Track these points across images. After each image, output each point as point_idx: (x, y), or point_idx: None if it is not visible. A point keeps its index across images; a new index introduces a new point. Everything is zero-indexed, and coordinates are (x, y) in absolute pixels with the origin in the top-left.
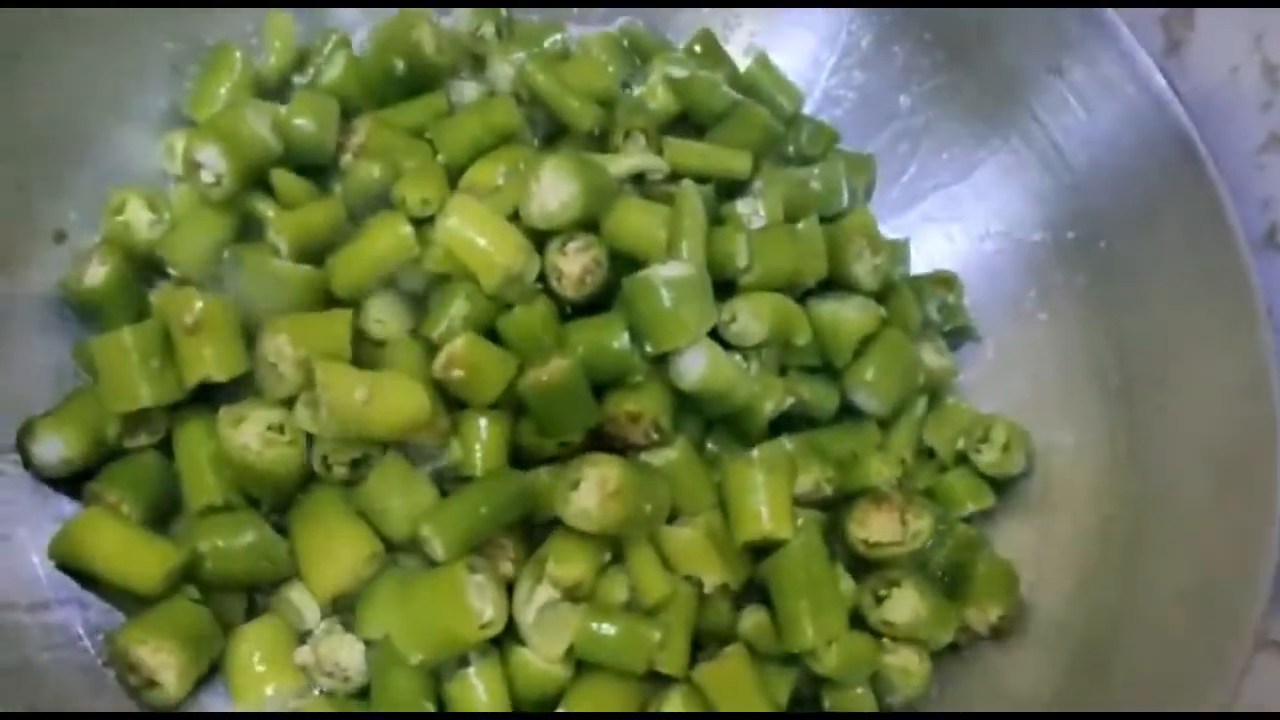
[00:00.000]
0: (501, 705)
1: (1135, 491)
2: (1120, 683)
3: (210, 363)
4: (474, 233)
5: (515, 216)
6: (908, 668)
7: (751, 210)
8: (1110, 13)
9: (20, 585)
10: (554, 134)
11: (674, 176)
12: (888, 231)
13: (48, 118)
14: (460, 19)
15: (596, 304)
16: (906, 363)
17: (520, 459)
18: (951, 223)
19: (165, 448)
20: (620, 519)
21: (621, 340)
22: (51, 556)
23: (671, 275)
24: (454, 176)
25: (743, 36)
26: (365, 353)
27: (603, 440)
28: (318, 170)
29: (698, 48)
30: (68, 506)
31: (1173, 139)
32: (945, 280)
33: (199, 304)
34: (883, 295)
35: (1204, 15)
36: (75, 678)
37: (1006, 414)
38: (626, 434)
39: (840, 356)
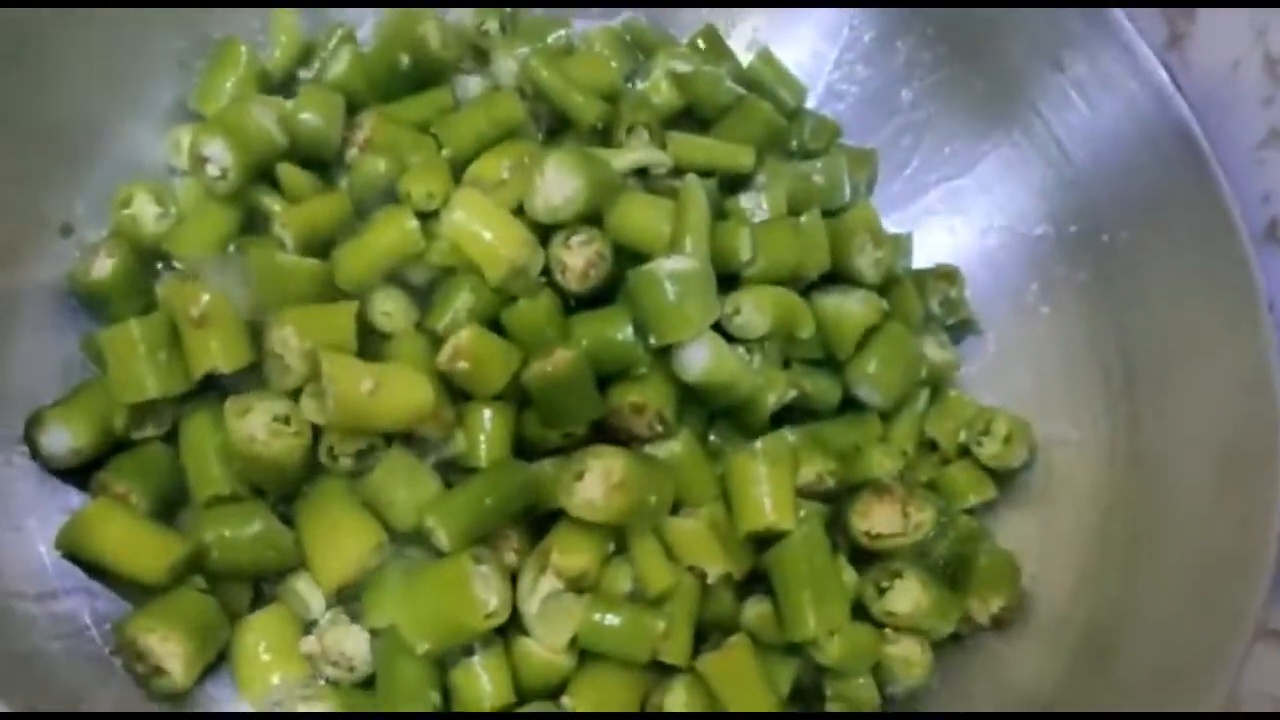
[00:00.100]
0: (506, 694)
1: (1137, 484)
2: (1121, 672)
3: (217, 354)
4: (479, 226)
5: (519, 210)
6: (910, 658)
7: (754, 204)
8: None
9: (28, 575)
10: (558, 129)
11: (677, 171)
12: (890, 226)
13: (55, 112)
14: (464, 14)
15: (600, 298)
16: (909, 356)
17: (524, 451)
18: (954, 216)
19: (172, 439)
20: (624, 510)
21: (625, 333)
22: (59, 547)
23: (675, 268)
24: (458, 171)
25: (745, 31)
26: (371, 345)
27: (607, 432)
28: (323, 165)
29: (701, 43)
30: (75, 497)
31: (1174, 133)
32: (947, 274)
33: (205, 296)
34: (885, 289)
35: (1206, 9)
36: (84, 667)
37: (1008, 407)
38: (630, 426)
39: (843, 349)
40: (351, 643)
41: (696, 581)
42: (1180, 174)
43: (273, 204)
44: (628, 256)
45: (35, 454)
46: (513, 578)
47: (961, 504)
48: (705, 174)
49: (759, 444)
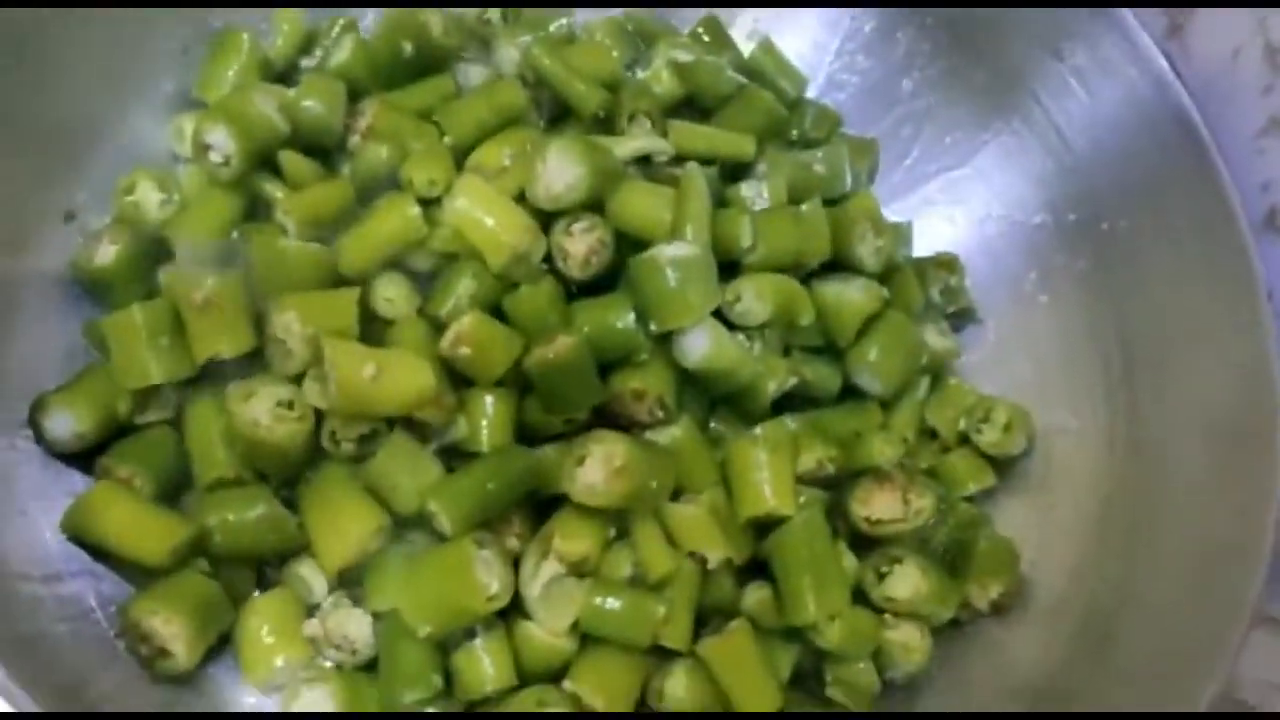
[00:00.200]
0: (507, 677)
1: (1135, 471)
2: (1120, 658)
3: (219, 340)
4: (481, 213)
5: (521, 198)
6: (909, 643)
7: (755, 193)
8: None
9: (34, 557)
10: (559, 117)
11: (678, 159)
12: (890, 215)
13: (59, 101)
14: None
15: (601, 285)
16: (909, 344)
17: (526, 436)
18: (953, 206)
19: (175, 424)
20: (625, 494)
21: (626, 319)
22: (64, 530)
23: (676, 255)
24: (460, 158)
25: (746, 22)
26: (373, 331)
27: (608, 418)
28: (325, 152)
29: (702, 32)
30: (79, 481)
31: (1174, 120)
32: (947, 263)
33: (209, 282)
34: (885, 277)
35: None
36: (89, 649)
37: (1008, 395)
38: (631, 412)
39: (843, 337)
40: (354, 626)
41: (697, 567)
42: (1179, 161)
43: (275, 191)
44: (629, 244)
45: (39, 438)
46: (515, 562)
47: (961, 491)
48: (706, 162)
49: (759, 430)
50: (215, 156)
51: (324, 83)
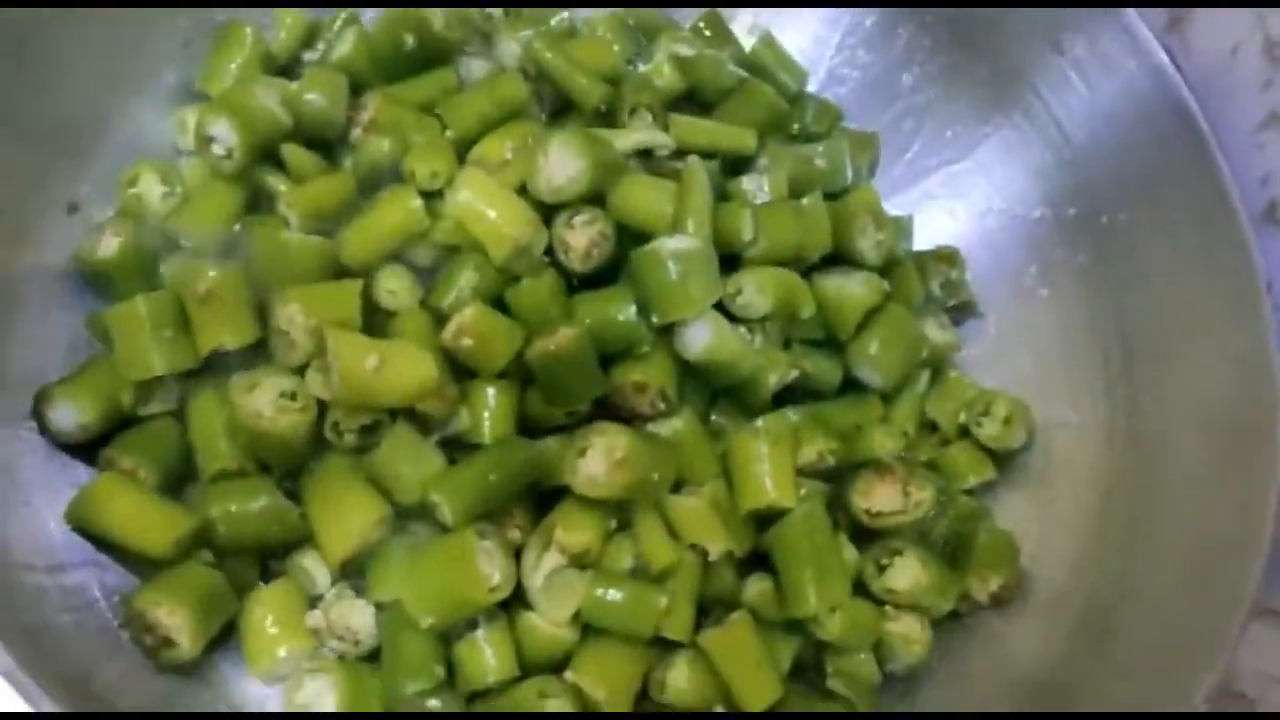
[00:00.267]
0: (509, 668)
1: (1135, 465)
2: (1119, 650)
3: (223, 331)
4: (483, 205)
5: (523, 190)
6: (909, 635)
7: (756, 186)
8: None
9: (38, 548)
10: (561, 110)
11: (680, 153)
12: (891, 209)
13: (61, 94)
14: None
15: (602, 278)
16: (909, 337)
17: (528, 429)
18: (954, 200)
19: (179, 415)
20: (627, 486)
21: (628, 312)
22: (68, 520)
23: (678, 247)
24: (462, 151)
25: (747, 17)
26: (375, 322)
27: (609, 411)
28: (327, 145)
29: (704, 27)
30: (83, 473)
31: (1174, 115)
32: (948, 256)
33: (212, 273)
34: (886, 270)
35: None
36: (93, 639)
37: (1008, 389)
38: (633, 404)
39: (844, 330)
40: (357, 617)
41: (698, 558)
42: (1179, 154)
43: (278, 184)
44: (630, 237)
45: (43, 430)
46: (516, 554)
47: (961, 484)
48: (707, 156)
49: (760, 423)
50: (218, 149)
51: (326, 76)
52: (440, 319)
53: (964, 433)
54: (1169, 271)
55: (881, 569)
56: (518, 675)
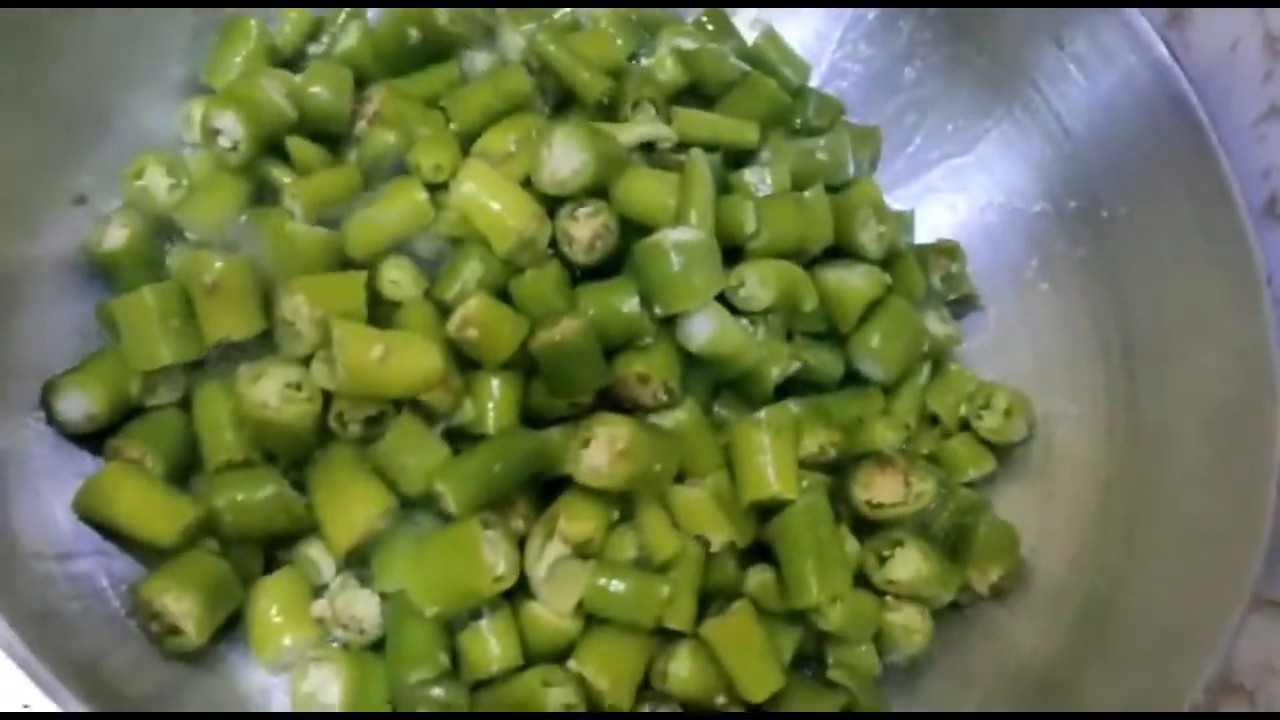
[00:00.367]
0: (513, 657)
1: (1135, 457)
2: (1118, 641)
3: (229, 322)
4: (487, 197)
5: (527, 183)
6: (910, 625)
7: (759, 179)
8: None
9: (46, 537)
10: (564, 103)
11: (682, 146)
12: (892, 203)
13: (69, 86)
14: None
15: (605, 270)
16: (911, 330)
17: (531, 420)
18: (955, 193)
19: (185, 405)
20: (630, 477)
21: (631, 303)
22: (75, 509)
23: (681, 239)
24: (466, 144)
25: (750, 11)
26: (380, 314)
27: (612, 402)
28: (332, 138)
29: (706, 21)
30: (90, 462)
31: (1174, 108)
32: (949, 250)
33: (218, 265)
34: (888, 264)
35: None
36: (101, 627)
37: (1008, 382)
38: (636, 395)
39: (845, 323)
40: (362, 606)
41: (700, 549)
42: (1179, 147)
43: (283, 176)
44: (633, 229)
45: (51, 419)
46: (520, 544)
47: (962, 477)
48: (710, 149)
49: (762, 415)
50: (224, 141)
51: (331, 69)
52: (444, 310)
53: (965, 425)
54: (1169, 265)
55: (882, 560)
56: (521, 664)
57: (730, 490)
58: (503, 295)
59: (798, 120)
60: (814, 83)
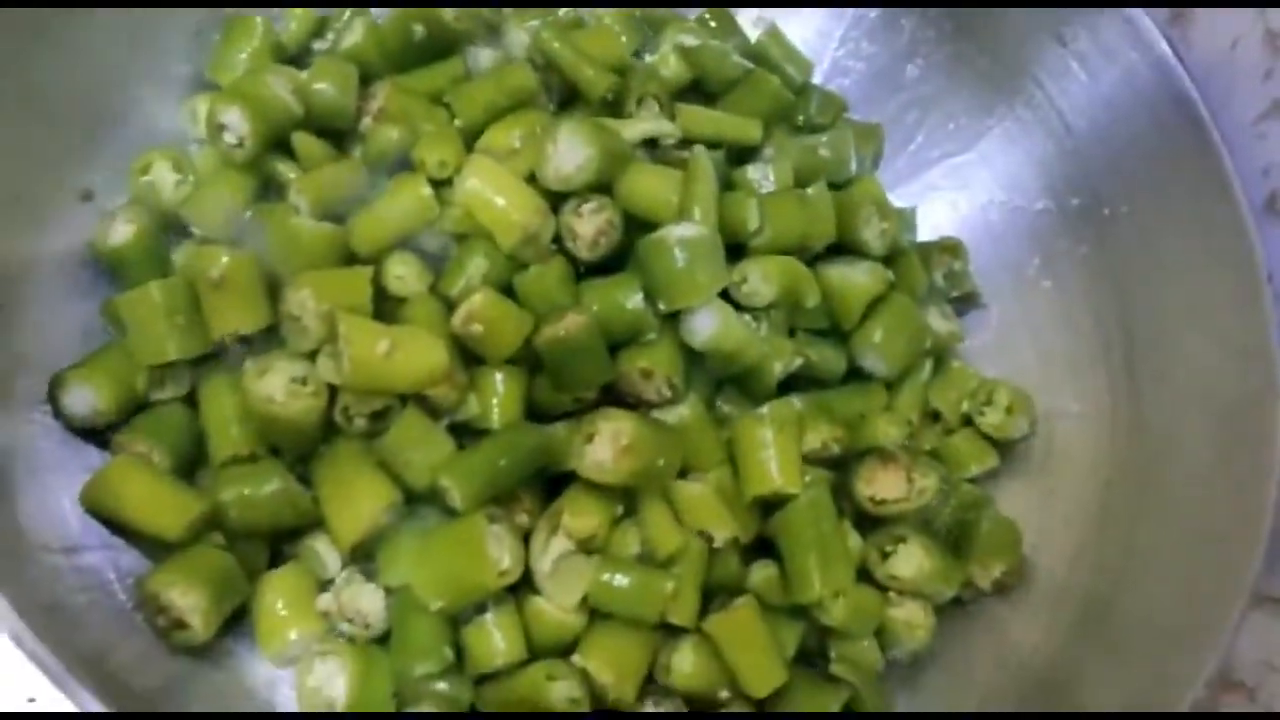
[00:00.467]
0: (518, 651)
1: (1137, 454)
2: (1119, 637)
3: (235, 317)
4: (492, 193)
5: (531, 179)
6: (912, 621)
7: (762, 175)
8: None
9: (54, 530)
10: (568, 100)
11: (686, 142)
12: (894, 200)
13: (74, 83)
14: None
15: (609, 266)
16: (913, 326)
17: (536, 415)
18: (957, 191)
19: (191, 400)
20: (633, 472)
21: (635, 299)
22: (83, 503)
23: (685, 235)
24: (470, 140)
25: (752, 8)
26: (384, 310)
27: (616, 397)
28: (337, 134)
29: (709, 18)
30: (96, 456)
31: (1175, 106)
32: (951, 247)
33: (225, 259)
34: (890, 260)
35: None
36: (108, 620)
37: (1010, 379)
38: (639, 391)
39: (848, 319)
40: (367, 600)
41: (704, 544)
42: (1181, 146)
43: (288, 172)
44: (637, 225)
45: (58, 414)
46: (525, 539)
47: (964, 473)
48: (713, 146)
49: (766, 410)
50: (229, 137)
51: (336, 65)
52: (449, 306)
53: (967, 422)
54: (1171, 263)
55: (885, 556)
56: (526, 659)
57: (733, 486)
58: (507, 291)
59: (800, 117)
60: (816, 80)
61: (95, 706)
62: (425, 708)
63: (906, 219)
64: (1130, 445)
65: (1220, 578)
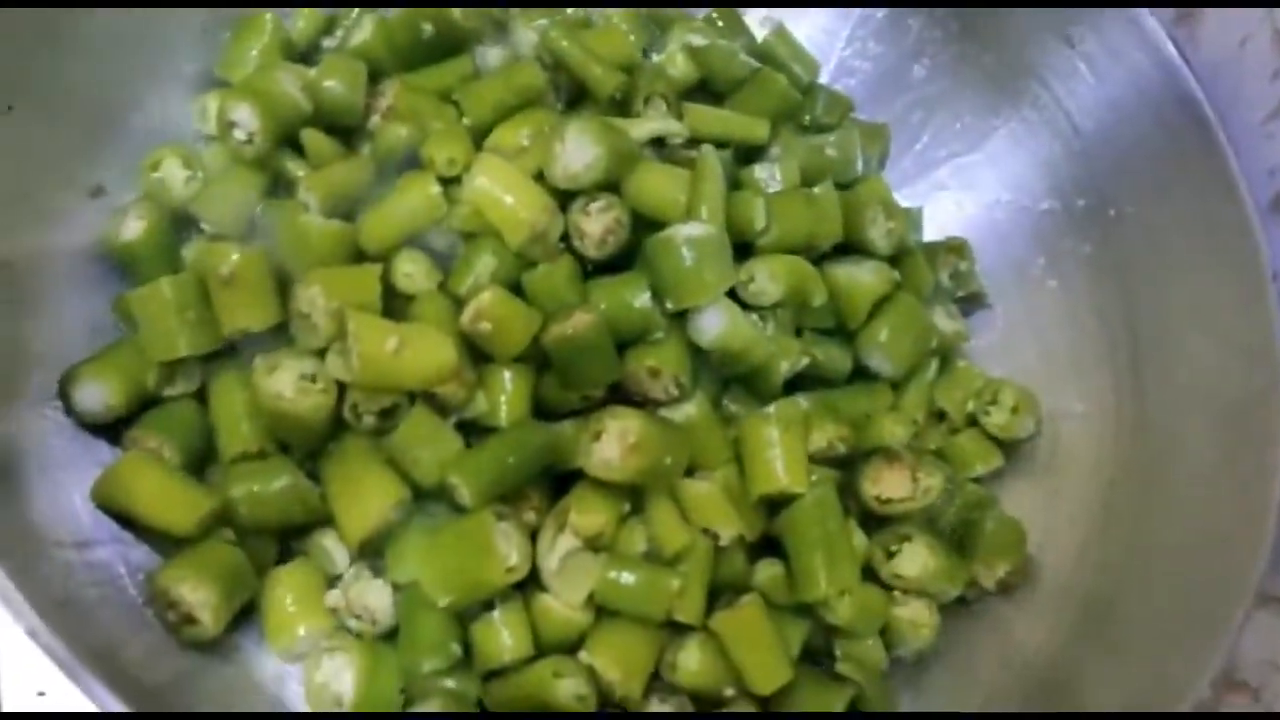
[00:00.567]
0: (525, 648)
1: (1141, 453)
2: (1123, 636)
3: (245, 314)
4: (501, 191)
5: (539, 178)
6: (917, 620)
7: (769, 175)
8: None
9: (66, 525)
10: (576, 99)
11: (693, 141)
12: (900, 199)
13: (85, 79)
14: None
15: (616, 265)
16: (919, 326)
17: (543, 413)
18: (963, 191)
19: (201, 396)
20: (641, 470)
21: (643, 298)
22: (94, 499)
23: (693, 234)
24: (479, 139)
25: (759, 8)
26: (393, 307)
27: (623, 395)
28: (346, 132)
29: (717, 18)
30: (107, 452)
31: (1182, 107)
32: (957, 247)
33: (235, 256)
34: (896, 260)
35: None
36: (119, 614)
37: (1016, 378)
38: (646, 389)
39: (854, 319)
40: (375, 596)
41: (710, 543)
42: (1187, 147)
43: (297, 169)
44: (644, 224)
45: (69, 410)
46: (532, 536)
47: (969, 472)
48: (721, 145)
49: (772, 409)
50: (239, 134)
51: (345, 63)
52: (458, 303)
53: (972, 421)
54: (1176, 263)
55: (890, 555)
56: (533, 655)
57: (740, 484)
58: (515, 289)
59: (807, 117)
60: (823, 80)
61: (108, 700)
62: (432, 703)
63: (912, 219)
64: (1135, 445)
65: (1224, 577)
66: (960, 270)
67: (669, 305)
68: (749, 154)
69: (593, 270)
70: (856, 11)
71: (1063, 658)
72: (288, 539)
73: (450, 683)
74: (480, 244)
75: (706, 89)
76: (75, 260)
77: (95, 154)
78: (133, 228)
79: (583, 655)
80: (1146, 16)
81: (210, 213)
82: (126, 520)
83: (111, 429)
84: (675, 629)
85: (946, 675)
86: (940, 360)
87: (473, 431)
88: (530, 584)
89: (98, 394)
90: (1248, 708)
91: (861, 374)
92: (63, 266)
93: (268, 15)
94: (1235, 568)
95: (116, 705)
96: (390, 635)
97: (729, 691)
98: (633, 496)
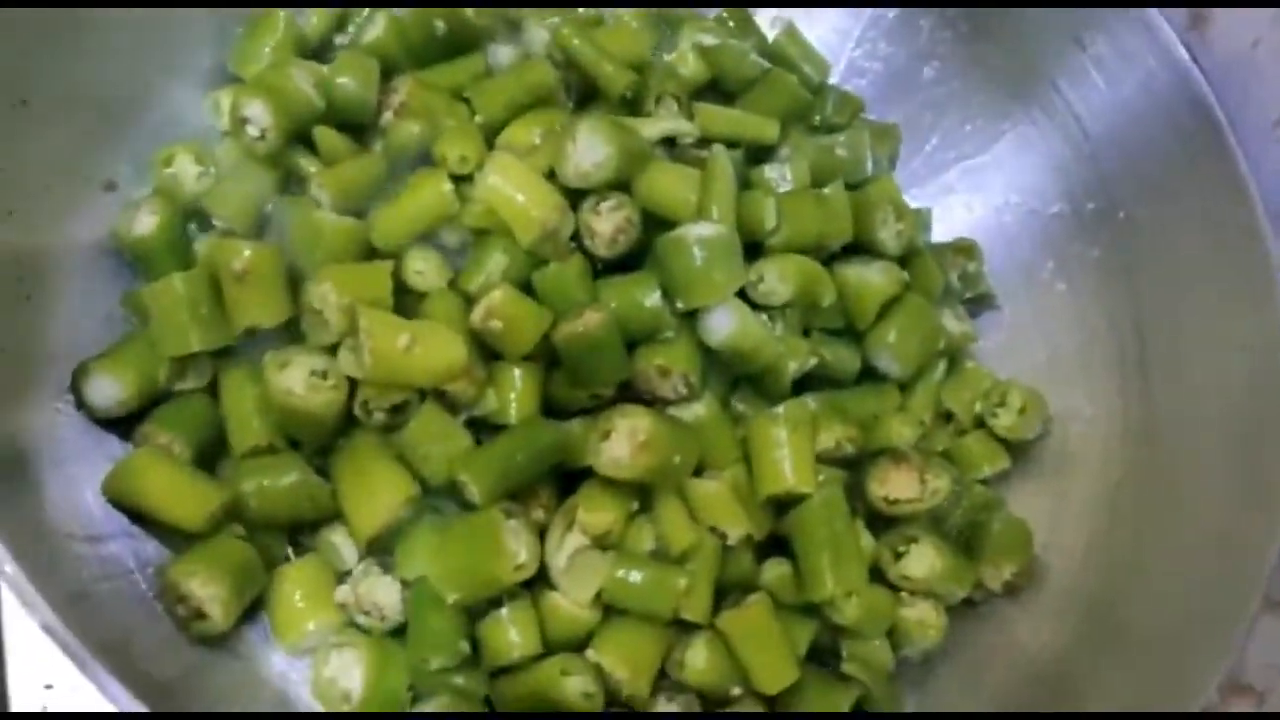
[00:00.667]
0: (533, 645)
1: (1148, 457)
2: (1129, 639)
3: (257, 310)
4: (512, 189)
5: (550, 176)
6: (924, 620)
7: (779, 175)
8: None
9: (78, 519)
10: (587, 97)
11: (704, 141)
12: (910, 201)
13: (99, 74)
14: None
15: (626, 264)
16: (927, 327)
17: (553, 411)
18: (972, 193)
19: (212, 391)
20: (649, 468)
21: (653, 297)
22: (105, 493)
23: (703, 234)
24: (490, 136)
25: (770, 8)
26: (404, 304)
27: (633, 394)
28: (358, 128)
29: (727, 17)
30: (118, 447)
31: (1193, 110)
32: (966, 249)
33: (247, 252)
34: (905, 261)
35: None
36: (130, 608)
37: (1023, 380)
38: (656, 388)
39: (863, 319)
40: (383, 593)
41: (718, 542)
42: (1197, 150)
43: (309, 166)
44: (655, 223)
45: (80, 404)
46: (541, 534)
47: (976, 474)
48: (731, 145)
49: (780, 409)
50: (252, 130)
51: (358, 60)
52: (469, 301)
53: (979, 423)
54: (1186, 267)
55: (898, 556)
56: (540, 653)
57: (747, 484)
58: (526, 287)
59: (817, 117)
60: (833, 80)
61: (119, 693)
62: (440, 700)
63: (922, 220)
64: (1142, 447)
65: (1231, 581)
66: (969, 272)
67: (679, 305)
68: (759, 154)
69: (603, 269)
70: (867, 12)
71: (1069, 659)
72: (297, 535)
73: (458, 680)
74: (491, 242)
75: (717, 89)
76: (87, 255)
77: (108, 149)
78: (145, 223)
79: (590, 653)
80: (1158, 20)
81: (222, 208)
82: (137, 515)
83: (123, 423)
84: (682, 627)
85: (953, 676)
86: (948, 361)
87: (482, 429)
88: (538, 582)
89: (109, 389)
90: (1252, 711)
91: (870, 374)
92: (75, 261)
93: (281, 12)
94: (1242, 571)
95: (127, 699)
96: (399, 631)
97: (735, 691)
98: (641, 495)
